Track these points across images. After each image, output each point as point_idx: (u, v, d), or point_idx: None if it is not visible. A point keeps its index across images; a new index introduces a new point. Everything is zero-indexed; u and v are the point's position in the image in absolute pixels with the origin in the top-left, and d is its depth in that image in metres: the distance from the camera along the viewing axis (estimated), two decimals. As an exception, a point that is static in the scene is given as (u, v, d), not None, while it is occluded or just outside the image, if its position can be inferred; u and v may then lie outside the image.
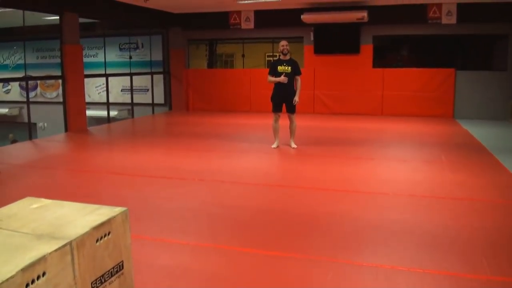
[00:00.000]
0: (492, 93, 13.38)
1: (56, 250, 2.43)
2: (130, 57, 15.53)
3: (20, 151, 9.27)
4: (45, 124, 16.74)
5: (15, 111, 17.81)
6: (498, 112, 13.31)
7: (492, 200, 5.72)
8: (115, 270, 2.92)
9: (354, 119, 13.29)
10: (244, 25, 14.98)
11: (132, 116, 14.59)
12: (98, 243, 2.76)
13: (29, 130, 10.77)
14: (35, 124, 15.88)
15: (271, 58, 16.03)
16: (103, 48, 14.66)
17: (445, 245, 4.23)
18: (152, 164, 7.65)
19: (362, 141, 9.81)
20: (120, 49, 16.25)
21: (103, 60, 14.42)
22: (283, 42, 8.68)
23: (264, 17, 14.59)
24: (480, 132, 10.91)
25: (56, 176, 6.93)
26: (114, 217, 2.93)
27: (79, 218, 2.82)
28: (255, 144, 9.37)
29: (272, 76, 8.69)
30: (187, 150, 8.80)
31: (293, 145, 8.93)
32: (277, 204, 5.55)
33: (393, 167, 7.50)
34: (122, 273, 2.99)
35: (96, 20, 14.96)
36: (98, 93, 16.53)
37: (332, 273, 3.63)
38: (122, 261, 3.00)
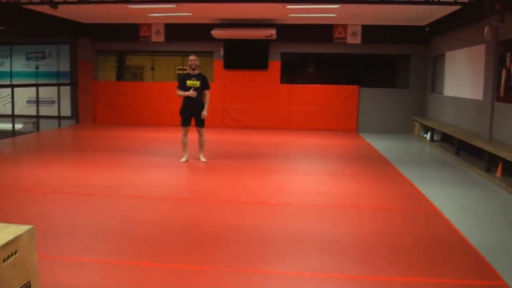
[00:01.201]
0: (394, 109, 14.32)
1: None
2: (37, 67, 15.02)
3: None
4: None
5: None
6: (400, 127, 14.24)
7: (393, 208, 6.15)
8: (22, 290, 2.89)
9: (262, 133, 13.62)
10: (154, 38, 14.95)
11: (38, 129, 14.09)
12: (5, 263, 2.73)
13: None
14: None
15: (181, 72, 16.08)
16: (9, 57, 14.06)
17: (346, 251, 4.53)
18: (59, 180, 7.46)
19: (270, 154, 10.10)
20: (27, 59, 15.64)
21: (9, 69, 13.82)
22: (192, 57, 8.81)
23: (174, 31, 14.64)
24: (382, 145, 11.58)
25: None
26: (21, 235, 2.91)
27: (-16, 238, 2.78)
28: (163, 158, 9.37)
29: (181, 90, 8.77)
30: (95, 165, 8.65)
31: (202, 159, 9.04)
32: (185, 218, 5.62)
33: (298, 179, 7.80)
34: (30, 293, 2.97)
35: (1, 27, 14.31)
36: (3, 105, 15.82)
37: (239, 283, 3.78)
38: (30, 281, 2.98)
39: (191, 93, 8.64)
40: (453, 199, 6.74)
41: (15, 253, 2.83)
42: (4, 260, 2.72)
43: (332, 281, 3.85)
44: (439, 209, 6.02)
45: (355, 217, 5.74)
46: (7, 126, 13.46)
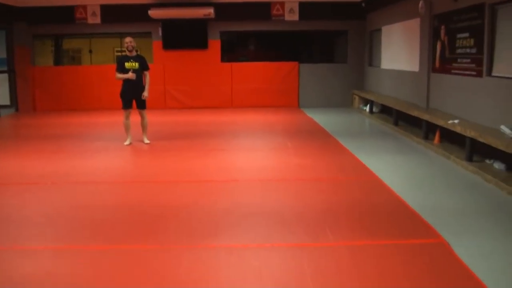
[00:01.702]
0: (334, 84, 14.62)
1: None
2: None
3: None
4: None
5: None
6: (340, 101, 14.56)
7: (335, 178, 6.40)
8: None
9: (205, 112, 13.61)
10: (90, 20, 14.58)
11: (-27, 119, 13.58)
12: None
13: None
14: None
15: (120, 54, 15.81)
16: None
17: (292, 221, 4.70)
18: (1, 171, 7.28)
19: (214, 133, 10.17)
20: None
21: None
22: (128, 39, 8.68)
23: (111, 12, 14.33)
24: (323, 119, 11.84)
25: None
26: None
27: None
28: (107, 142, 9.24)
29: (120, 73, 8.67)
30: (37, 153, 8.45)
31: (146, 141, 8.99)
32: (132, 200, 5.63)
33: (243, 156, 7.92)
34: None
35: None
36: None
37: (188, 259, 3.85)
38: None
39: (130, 75, 8.56)
40: (393, 167, 7.03)
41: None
42: None
43: (279, 250, 4.00)
44: (379, 177, 6.27)
45: (299, 189, 5.92)
46: None
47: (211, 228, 4.55)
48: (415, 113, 8.98)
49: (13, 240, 4.40)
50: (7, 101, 14.71)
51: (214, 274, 3.59)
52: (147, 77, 8.79)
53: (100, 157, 8.05)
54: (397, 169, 6.93)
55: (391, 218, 4.79)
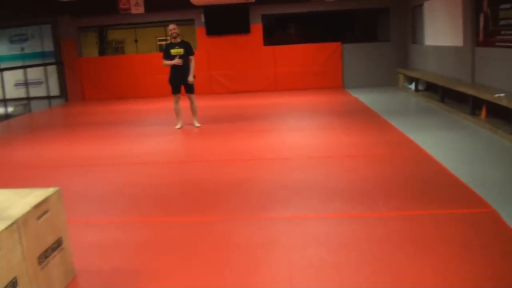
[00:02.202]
0: (378, 63, 14.52)
1: (6, 229, 2.67)
2: (22, 49, 15.02)
3: None
4: None
5: None
6: (385, 80, 14.45)
7: (384, 154, 6.47)
8: (55, 245, 3.19)
9: (250, 96, 13.83)
10: (134, 10, 14.89)
11: (30, 110, 14.20)
12: (39, 221, 3.01)
13: None
14: None
15: (163, 43, 16.13)
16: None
17: (345, 194, 4.86)
18: (60, 155, 7.67)
19: (261, 115, 10.35)
20: (11, 42, 15.60)
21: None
22: (171, 26, 8.96)
23: (154, 1, 14.62)
24: (368, 98, 11.85)
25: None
26: (50, 196, 3.18)
27: (18, 200, 3.05)
28: (158, 127, 9.61)
29: (167, 60, 8.97)
30: (92, 138, 8.84)
31: (196, 124, 9.27)
32: (190, 178, 5.90)
33: (291, 136, 8.07)
34: (62, 248, 3.27)
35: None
36: (-8, 90, 15.84)
37: (248, 228, 4.09)
38: (61, 236, 3.27)
39: (176, 61, 8.83)
40: (441, 142, 7.07)
41: (47, 212, 3.10)
42: (38, 218, 3.00)
43: (335, 220, 4.17)
44: (427, 152, 6.34)
45: (349, 164, 6.06)
46: (-1, 110, 13.55)
47: (268, 201, 4.76)
48: (460, 88, 8.95)
49: (79, 214, 4.69)
50: (57, 92, 15.32)
51: (274, 241, 3.79)
52: (192, 61, 9.02)
53: (153, 140, 8.36)
54: (444, 144, 6.97)
55: (441, 189, 4.89)
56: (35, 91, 15.09)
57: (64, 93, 15.53)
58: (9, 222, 2.71)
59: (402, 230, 3.89)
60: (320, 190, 5.05)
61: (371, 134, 7.82)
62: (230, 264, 3.47)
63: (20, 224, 2.79)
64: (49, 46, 15.34)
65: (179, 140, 8.53)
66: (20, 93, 15.08)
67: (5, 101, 13.02)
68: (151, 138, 8.53)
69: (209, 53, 14.80)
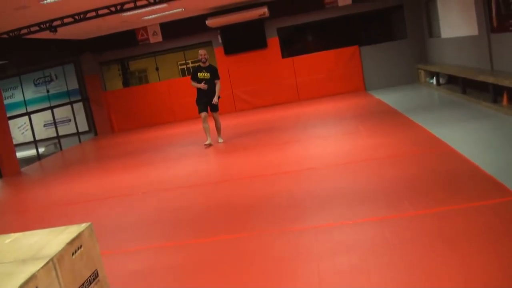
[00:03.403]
0: (397, 61, 14.44)
1: (42, 267, 2.80)
2: (48, 91, 15.49)
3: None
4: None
5: None
6: (406, 77, 14.36)
7: (407, 153, 6.50)
8: (92, 278, 3.31)
9: (274, 109, 13.95)
10: (152, 39, 15.26)
11: (60, 148, 14.59)
12: (74, 256, 3.14)
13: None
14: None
15: (184, 67, 16.46)
16: (17, 88, 14.51)
17: (370, 198, 4.89)
18: (94, 189, 7.88)
19: (286, 127, 10.45)
20: (35, 85, 16.11)
21: (20, 99, 14.28)
22: (201, 51, 9.49)
23: (170, 28, 14.91)
24: (391, 98, 11.84)
25: (5, 223, 7.03)
26: (83, 231, 3.32)
27: (52, 239, 3.19)
28: (186, 149, 9.88)
29: (194, 82, 9.51)
30: (123, 169, 9.06)
31: (220, 140, 9.81)
32: (220, 197, 6.02)
33: (317, 144, 8.14)
34: (99, 280, 3.39)
35: (5, 61, 14.75)
36: (22, 134, 16.33)
37: (279, 242, 4.16)
38: (96, 269, 3.39)
39: (202, 86, 9.38)
40: (465, 134, 7.03)
41: (81, 247, 3.24)
42: (72, 254, 3.13)
43: (363, 225, 4.20)
44: (452, 146, 6.31)
45: (375, 167, 6.08)
46: (31, 152, 13.93)
47: (297, 213, 4.83)
48: (480, 77, 8.87)
49: (117, 245, 4.87)
50: (85, 128, 15.71)
51: (304, 251, 3.86)
52: (218, 84, 9.55)
53: (182, 164, 8.55)
54: (468, 136, 6.92)
55: (467, 182, 4.89)
56: (64, 130, 15.50)
57: (92, 128, 15.92)
58: (45, 261, 2.84)
59: (430, 228, 3.90)
60: (347, 196, 5.09)
61: (395, 134, 7.82)
62: (262, 278, 3.54)
63: (55, 262, 2.92)
64: (73, 84, 15.78)
65: (207, 160, 8.70)
66: (50, 133, 15.53)
67: (35, 142, 13.40)
68: (180, 162, 8.72)
69: (230, 71, 14.98)
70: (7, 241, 3.42)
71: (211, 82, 9.43)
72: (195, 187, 6.75)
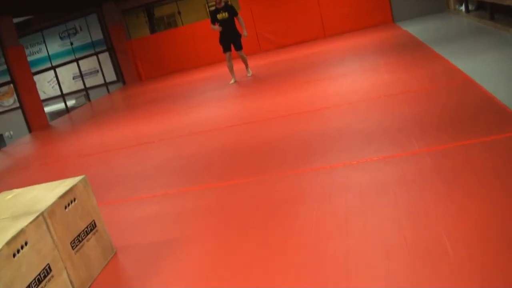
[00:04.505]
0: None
1: (31, 222, 2.88)
2: (72, 43, 15.58)
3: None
4: (11, 132, 16.80)
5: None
6: (436, 5, 13.66)
7: (424, 88, 6.24)
8: (89, 229, 3.38)
9: (299, 47, 13.65)
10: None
11: (89, 100, 14.80)
12: (67, 209, 3.21)
13: (-9, 144, 11.00)
14: (1, 135, 15.97)
15: (214, 8, 16.18)
16: (43, 43, 14.65)
17: (377, 137, 4.78)
18: (117, 138, 8.03)
19: (307, 66, 10.24)
20: (61, 38, 16.23)
21: (47, 54, 14.42)
22: None
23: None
24: (419, 29, 11.39)
25: (29, 174, 7.24)
26: (75, 185, 3.37)
27: (47, 193, 3.26)
28: (208, 95, 9.92)
29: (214, 25, 9.90)
30: (146, 117, 9.15)
31: (249, 73, 10.45)
32: (233, 141, 6.01)
33: (334, 83, 7.96)
34: (97, 230, 3.46)
35: (29, 16, 14.85)
36: (52, 87, 16.60)
37: (281, 186, 4.14)
38: (94, 220, 3.47)
39: (217, 28, 9.84)
40: (488, 65, 6.72)
41: (74, 200, 3.30)
42: (65, 207, 3.20)
43: (363, 166, 4.10)
44: (472, 78, 6.02)
45: (387, 105, 5.90)
46: (62, 105, 14.20)
47: (302, 155, 4.78)
48: (507, 1, 8.41)
49: (129, 193, 4.98)
50: (113, 77, 15.82)
51: (303, 195, 3.83)
52: (240, 19, 9.93)
53: (202, 109, 8.56)
54: (491, 66, 6.60)
55: (478, 116, 4.66)
56: (93, 81, 15.67)
57: (120, 77, 16.02)
58: (34, 216, 2.92)
59: (433, 166, 3.77)
60: (355, 136, 4.98)
61: (414, 68, 7.55)
62: (263, 222, 3.55)
63: (46, 216, 2.99)
64: (97, 35, 15.79)
65: (225, 104, 8.68)
66: (80, 85, 15.72)
67: (62, 95, 13.60)
68: (200, 108, 8.73)
69: (252, 11, 14.66)
70: (8, 197, 3.51)
71: (231, 20, 9.82)
72: (208, 132, 6.74)
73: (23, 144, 10.53)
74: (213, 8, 14.14)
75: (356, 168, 4.09)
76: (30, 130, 11.38)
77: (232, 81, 10.18)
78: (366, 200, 3.45)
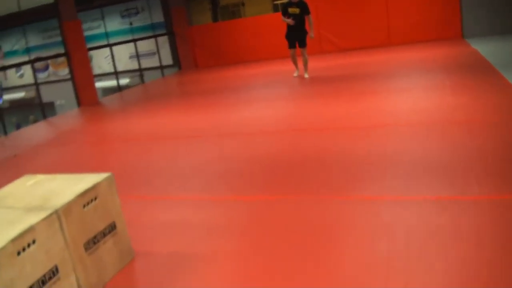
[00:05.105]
0: (501, 5, 12.81)
1: (43, 219, 2.66)
2: (131, 23, 15.60)
3: (35, 132, 9.56)
4: (63, 101, 17.04)
5: (31, 93, 18.13)
6: (509, 25, 12.85)
7: (490, 120, 5.66)
8: (107, 230, 3.14)
9: (361, 53, 13.18)
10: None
11: (142, 81, 14.77)
12: (85, 208, 2.98)
13: (42, 110, 11.05)
14: (52, 103, 16.21)
15: (278, 2, 15.88)
16: (103, 19, 14.73)
17: (434, 171, 4.24)
18: (160, 126, 7.84)
19: (367, 75, 9.80)
20: (122, 17, 16.29)
21: (106, 30, 14.50)
22: None
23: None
24: (489, 49, 10.66)
25: (70, 151, 7.14)
26: (99, 183, 3.13)
27: (67, 188, 3.04)
28: (259, 92, 9.78)
29: (285, 17, 9.91)
30: (198, 108, 8.91)
31: (306, 75, 10.27)
32: (277, 150, 5.64)
33: (393, 98, 7.50)
34: (116, 233, 3.22)
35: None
36: (108, 63, 16.68)
37: (316, 210, 3.79)
38: (114, 221, 3.22)
39: (290, 21, 9.81)
40: None
41: (95, 199, 3.06)
42: (84, 206, 2.96)
43: (415, 203, 3.66)
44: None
45: (449, 133, 5.37)
46: (115, 82, 14.25)
47: (347, 178, 4.38)
48: None
49: (160, 190, 4.74)
50: (170, 61, 15.75)
51: (341, 227, 3.48)
52: (310, 19, 9.94)
53: (250, 107, 8.30)
54: None
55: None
56: (149, 62, 15.65)
57: (176, 62, 15.93)
58: (48, 213, 2.70)
59: (496, 218, 3.29)
60: (407, 166, 4.48)
61: (482, 95, 6.90)
62: (293, 252, 3.22)
63: (60, 214, 2.77)
64: (158, 17, 15.75)
65: (275, 105, 8.33)
66: (135, 65, 15.73)
67: (116, 73, 13.58)
68: (250, 105, 8.50)
69: (317, 9, 14.23)
70: (29, 183, 3.32)
71: (300, 18, 9.79)
72: (256, 135, 6.41)
73: (70, 118, 10.56)
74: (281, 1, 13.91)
75: (406, 206, 3.64)
76: (79, 104, 11.41)
77: (296, 73, 10.50)
78: (412, 246, 3.05)
